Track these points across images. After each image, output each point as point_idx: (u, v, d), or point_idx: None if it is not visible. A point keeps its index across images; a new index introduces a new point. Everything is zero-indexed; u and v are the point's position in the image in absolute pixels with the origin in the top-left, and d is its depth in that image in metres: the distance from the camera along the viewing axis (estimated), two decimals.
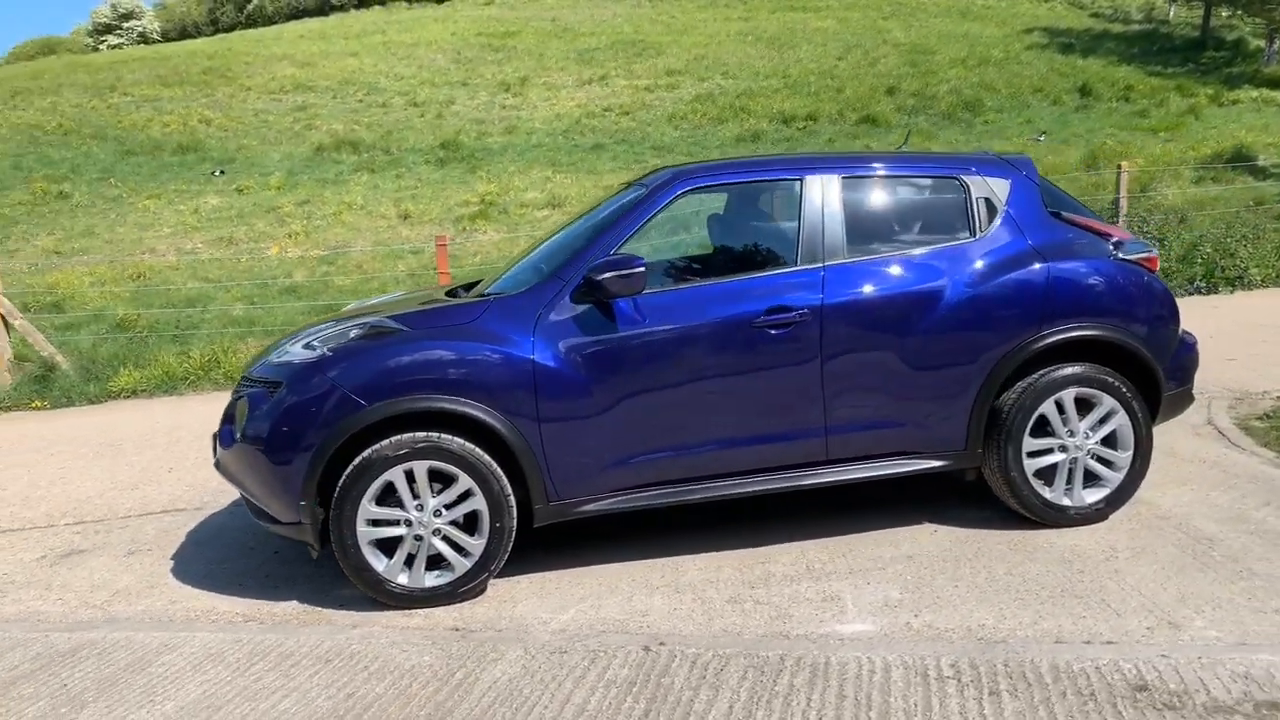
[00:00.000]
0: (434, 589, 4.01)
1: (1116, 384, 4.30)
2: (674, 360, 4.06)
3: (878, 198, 4.44)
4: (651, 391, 4.04)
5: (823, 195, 4.29)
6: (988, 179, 4.44)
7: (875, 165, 4.47)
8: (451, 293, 4.84)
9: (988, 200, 4.40)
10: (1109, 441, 4.37)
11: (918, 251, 4.35)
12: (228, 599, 4.25)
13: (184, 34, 47.19)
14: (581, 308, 4.04)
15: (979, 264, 4.28)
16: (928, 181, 4.54)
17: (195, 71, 25.86)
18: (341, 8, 43.25)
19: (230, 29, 45.50)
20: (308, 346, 4.13)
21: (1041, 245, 4.35)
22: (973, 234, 4.36)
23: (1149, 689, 2.99)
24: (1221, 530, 4.22)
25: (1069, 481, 4.37)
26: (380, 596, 4.01)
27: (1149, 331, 4.37)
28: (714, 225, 5.07)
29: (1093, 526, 4.37)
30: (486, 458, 3.96)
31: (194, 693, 3.40)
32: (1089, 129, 17.45)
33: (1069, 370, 4.28)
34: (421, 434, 3.92)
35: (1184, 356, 4.54)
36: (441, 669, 3.46)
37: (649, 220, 4.24)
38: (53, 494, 5.97)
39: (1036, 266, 4.28)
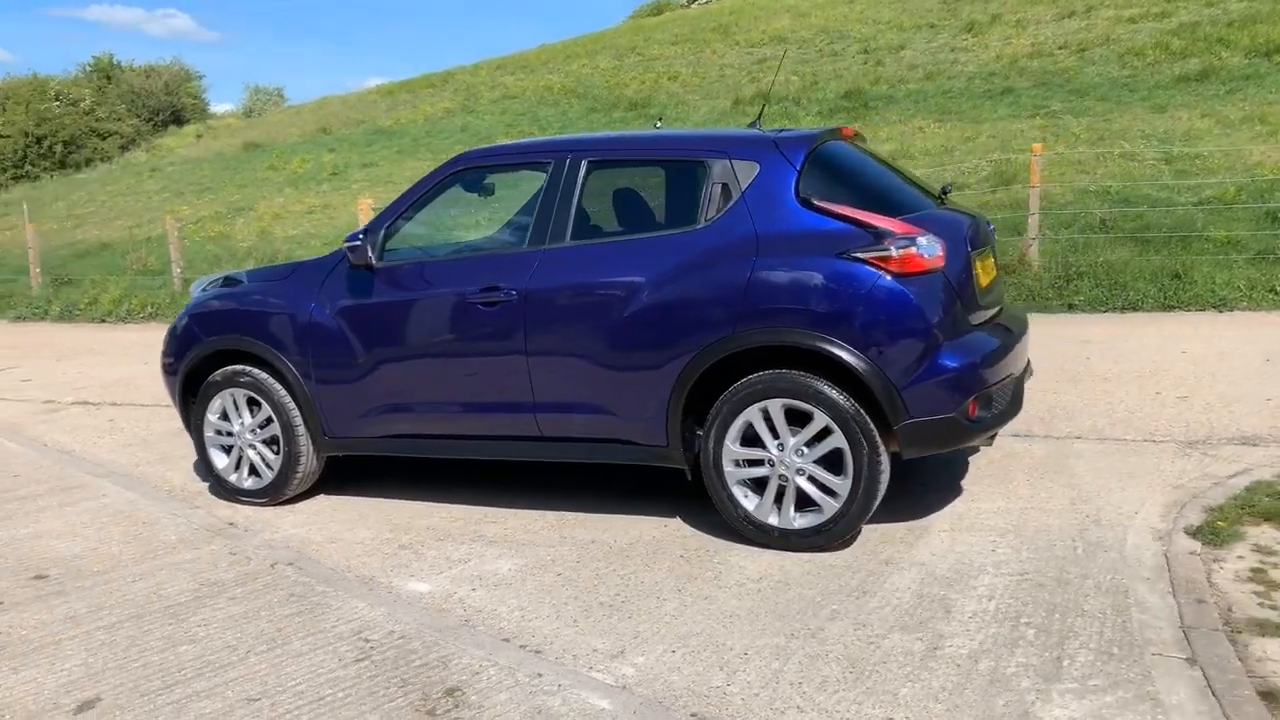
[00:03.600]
0: (249, 491, 5.05)
1: (832, 399, 3.80)
2: (410, 327, 4.55)
3: (620, 183, 4.37)
4: (392, 353, 4.59)
5: (564, 179, 4.36)
6: (733, 163, 4.10)
7: (627, 148, 4.38)
8: None
9: (725, 186, 4.08)
10: (831, 464, 3.88)
11: (636, 239, 4.24)
12: None
13: None
14: (350, 274, 4.70)
15: (692, 255, 4.05)
16: (674, 166, 4.31)
17: (706, 29, 28.34)
18: None
19: None
20: (202, 289, 5.35)
21: (765, 237, 3.95)
22: (698, 222, 4.10)
23: None
24: None
25: (778, 500, 3.98)
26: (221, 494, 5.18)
27: (871, 342, 3.75)
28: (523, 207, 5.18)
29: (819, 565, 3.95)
30: (281, 391, 4.87)
31: None
32: None
33: (769, 377, 3.90)
34: (237, 367, 4.96)
35: (936, 378, 3.76)
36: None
37: (423, 195, 4.69)
38: None
39: (744, 261, 3.93)
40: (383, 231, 4.65)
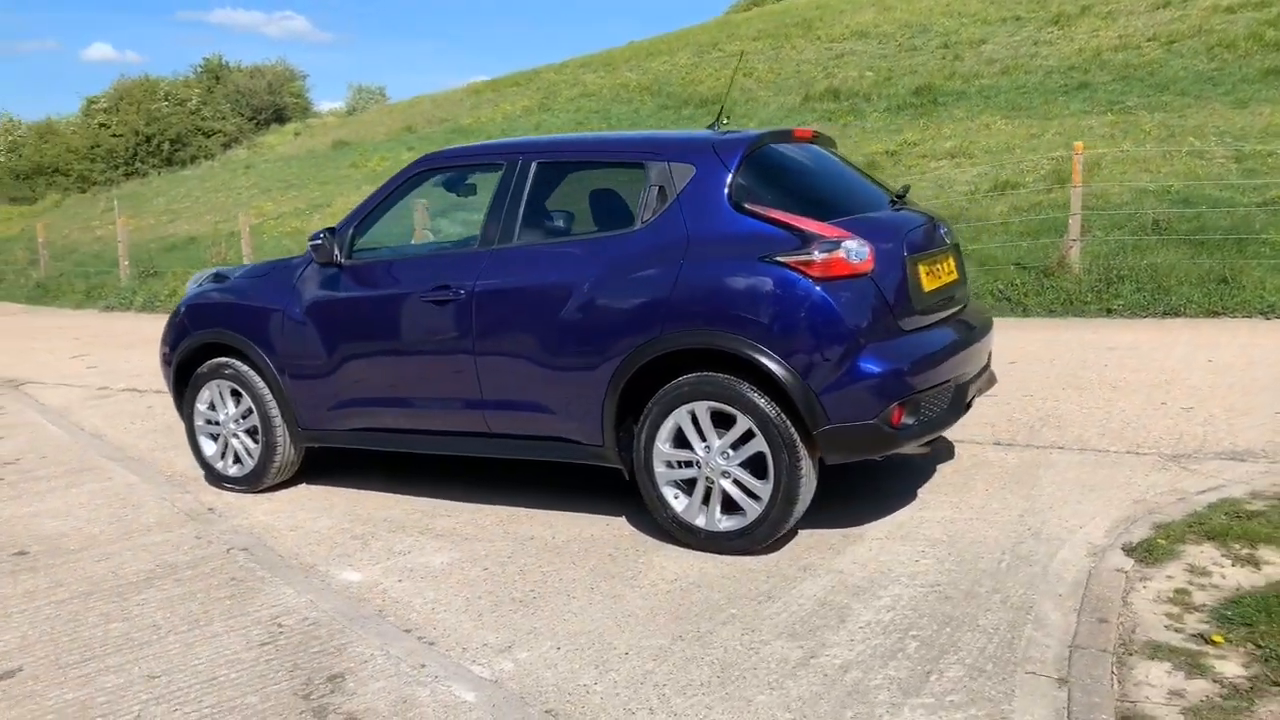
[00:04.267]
0: (232, 478, 5.28)
1: (754, 403, 3.80)
2: (372, 324, 4.70)
3: (565, 184, 4.41)
4: (357, 348, 4.74)
5: (514, 180, 4.43)
6: (671, 165, 4.11)
7: (574, 151, 4.43)
8: None
9: (661, 189, 4.09)
10: (755, 467, 3.88)
11: (577, 240, 4.29)
12: None
13: None
14: (319, 272, 4.86)
15: (626, 256, 4.08)
16: (615, 168, 4.33)
17: (789, 24, 28.09)
18: None
19: None
20: (196, 283, 5.60)
21: (694, 239, 3.96)
22: (635, 224, 4.13)
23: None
24: None
25: (705, 502, 3.99)
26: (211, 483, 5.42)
27: (789, 346, 3.72)
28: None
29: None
30: (260, 384, 5.07)
31: None
32: None
33: (695, 380, 3.91)
34: (222, 359, 5.18)
35: (855, 384, 3.71)
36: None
37: (389, 197, 4.82)
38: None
39: (673, 263, 3.94)
40: (350, 230, 4.80)
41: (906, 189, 4.69)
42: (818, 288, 3.72)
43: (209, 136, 36.51)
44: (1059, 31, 20.34)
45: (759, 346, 3.75)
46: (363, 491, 5.13)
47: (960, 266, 4.59)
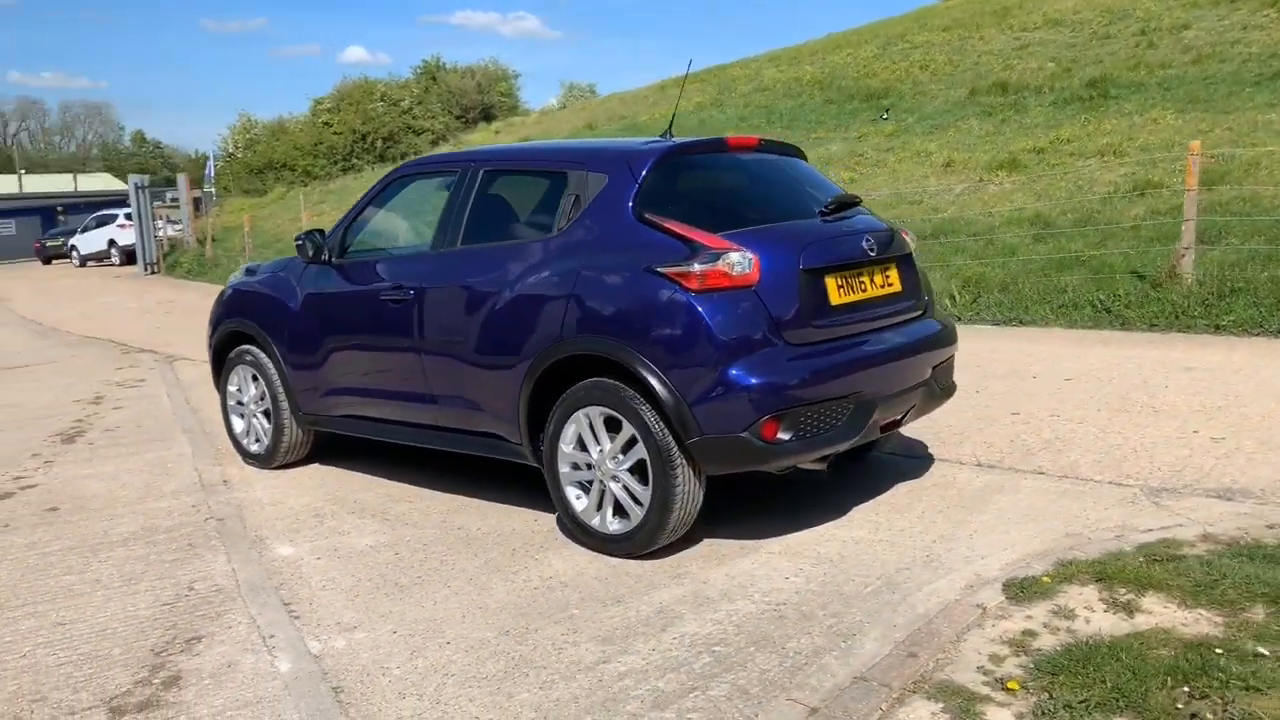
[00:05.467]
0: (253, 454, 5.81)
1: (636, 410, 3.87)
2: (348, 319, 5.07)
3: (505, 191, 4.59)
4: (337, 341, 5.13)
5: (464, 187, 4.67)
6: (588, 174, 4.22)
7: (515, 159, 4.61)
8: None
9: (577, 197, 4.21)
10: (641, 473, 3.95)
11: (505, 245, 4.47)
12: None
13: None
14: (316, 270, 5.28)
15: (541, 262, 4.23)
16: (546, 176, 4.46)
17: (984, 12, 26.84)
18: None
19: None
20: (237, 276, 6.16)
21: (596, 247, 4.07)
22: (553, 231, 4.26)
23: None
24: None
25: (600, 504, 4.09)
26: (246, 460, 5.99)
27: (664, 356, 3.76)
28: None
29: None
30: (272, 370, 5.57)
31: None
32: None
33: (589, 384, 4.01)
34: (244, 347, 5.72)
35: (724, 397, 3.68)
36: None
37: (372, 201, 5.18)
38: None
39: (574, 271, 4.05)
40: (342, 231, 5.19)
41: (856, 199, 4.54)
42: (694, 299, 3.72)
43: (418, 134, 39.04)
44: (1276, 15, 18.42)
45: (639, 356, 3.80)
46: (357, 474, 5.52)
47: (908, 278, 4.42)
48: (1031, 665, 2.94)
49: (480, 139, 35.60)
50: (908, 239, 4.59)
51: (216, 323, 5.89)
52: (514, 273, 4.28)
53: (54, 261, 35.53)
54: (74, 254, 33.24)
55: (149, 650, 3.41)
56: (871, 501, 4.53)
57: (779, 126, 19.93)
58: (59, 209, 49.21)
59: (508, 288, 4.28)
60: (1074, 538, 3.95)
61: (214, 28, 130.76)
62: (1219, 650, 2.88)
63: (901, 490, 4.67)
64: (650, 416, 3.82)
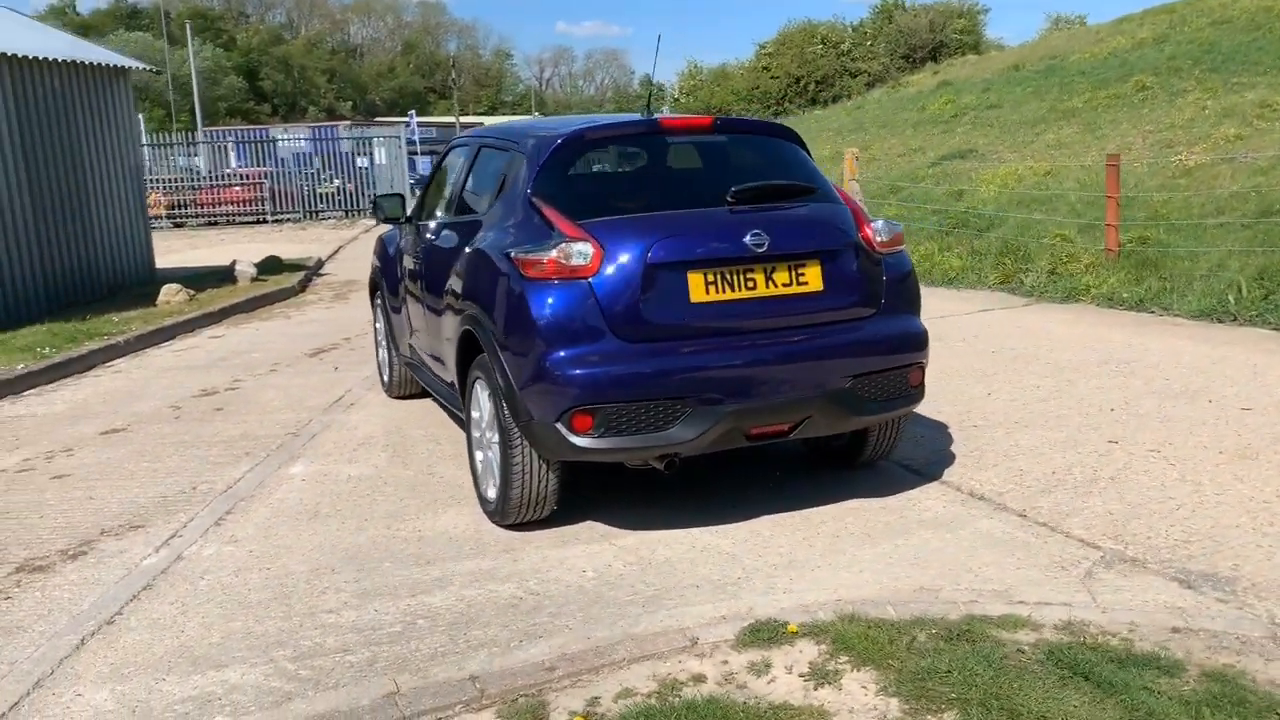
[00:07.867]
0: (384, 383, 6.73)
1: (497, 385, 4.06)
2: (404, 275, 5.70)
3: (484, 167, 4.85)
4: (402, 293, 5.79)
5: (464, 161, 5.09)
6: (514, 155, 4.39)
7: (495, 137, 4.83)
8: None
9: (505, 177, 4.40)
10: None
11: (460, 219, 4.90)
12: None
13: None
14: (408, 228, 5.96)
15: (476, 238, 4.47)
16: (503, 153, 4.61)
17: None
18: None
19: None
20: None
21: (493, 227, 4.31)
22: (490, 207, 4.48)
23: None
24: None
25: (491, 472, 4.31)
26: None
27: (501, 338, 3.92)
28: None
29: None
30: (379, 313, 6.42)
31: None
32: None
33: (482, 358, 4.23)
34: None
35: (541, 384, 3.71)
36: None
37: (438, 170, 5.69)
38: None
39: (480, 249, 4.29)
40: (421, 192, 5.81)
41: (805, 189, 4.15)
42: (526, 286, 3.78)
43: (854, 77, 38.49)
44: None
45: (492, 337, 3.96)
46: (443, 412, 6.10)
47: (841, 277, 3.98)
48: (634, 713, 2.75)
49: (920, 80, 34.22)
50: (872, 232, 4.11)
51: (372, 268, 6.85)
52: (458, 244, 4.59)
53: None
54: None
55: (87, 536, 4.36)
56: (780, 514, 4.19)
57: (1200, 70, 16.92)
58: None
59: (456, 260, 4.58)
60: (927, 593, 3.41)
61: None
62: None
63: (833, 507, 4.26)
64: (499, 395, 3.96)
